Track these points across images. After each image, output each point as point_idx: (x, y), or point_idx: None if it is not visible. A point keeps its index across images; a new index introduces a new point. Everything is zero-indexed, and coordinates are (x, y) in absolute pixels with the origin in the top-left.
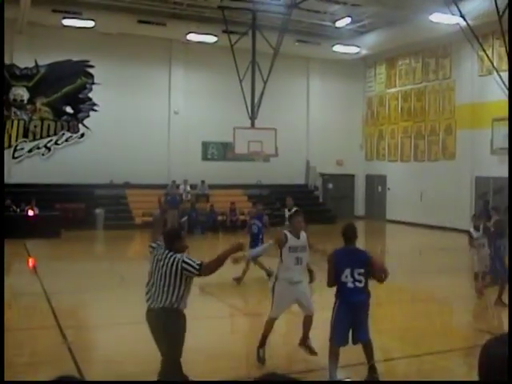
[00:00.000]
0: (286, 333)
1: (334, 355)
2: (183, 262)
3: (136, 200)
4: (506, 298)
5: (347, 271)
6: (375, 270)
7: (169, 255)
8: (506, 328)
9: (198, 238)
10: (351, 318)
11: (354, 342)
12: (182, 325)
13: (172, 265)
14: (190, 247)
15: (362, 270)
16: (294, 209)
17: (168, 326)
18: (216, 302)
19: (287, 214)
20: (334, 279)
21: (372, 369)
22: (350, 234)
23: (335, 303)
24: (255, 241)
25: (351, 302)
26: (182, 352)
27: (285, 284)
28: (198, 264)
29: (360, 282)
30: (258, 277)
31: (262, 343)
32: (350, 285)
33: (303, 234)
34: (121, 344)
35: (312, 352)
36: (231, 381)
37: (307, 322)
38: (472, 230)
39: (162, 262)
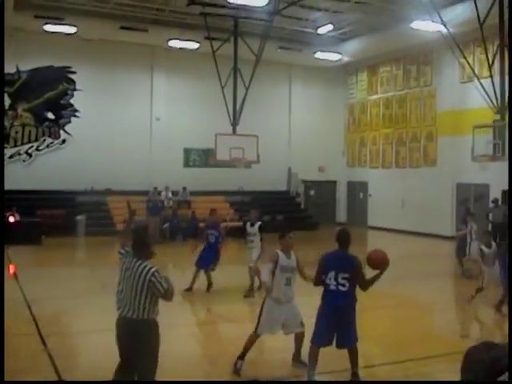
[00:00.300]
0: (272, 338)
1: (312, 355)
2: (153, 275)
3: (117, 206)
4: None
5: (331, 274)
6: (358, 277)
7: (137, 264)
8: (488, 333)
9: (179, 245)
10: (334, 320)
11: (338, 347)
12: (154, 336)
13: (140, 275)
14: (172, 254)
15: (347, 275)
16: (258, 223)
17: (141, 339)
18: (196, 309)
19: (249, 228)
20: (320, 280)
21: (355, 376)
22: (343, 239)
23: (320, 304)
24: (212, 250)
25: (333, 305)
26: (158, 361)
27: (273, 303)
28: (165, 287)
29: (343, 285)
30: (239, 284)
31: (242, 355)
32: (333, 287)
33: (293, 256)
34: (102, 351)
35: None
36: (231, 381)
37: (298, 338)
38: (483, 246)
39: (129, 272)
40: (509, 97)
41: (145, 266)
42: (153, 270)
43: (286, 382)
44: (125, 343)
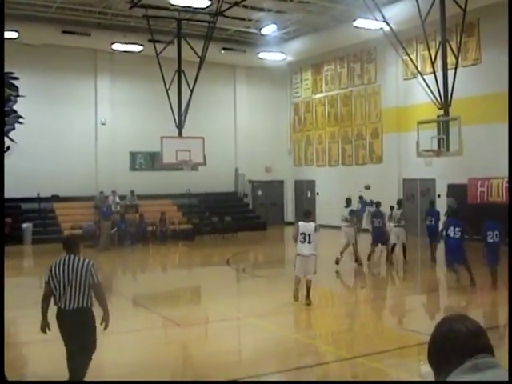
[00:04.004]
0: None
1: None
2: (92, 266)
3: (64, 213)
4: None
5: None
6: None
7: (76, 260)
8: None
9: (127, 250)
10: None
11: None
12: (95, 320)
13: (82, 267)
14: (120, 259)
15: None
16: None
17: (88, 323)
18: (149, 314)
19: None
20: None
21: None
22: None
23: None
24: None
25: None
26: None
27: (298, 258)
28: (99, 280)
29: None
30: (190, 286)
31: (296, 295)
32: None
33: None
34: (51, 360)
35: (309, 304)
36: (230, 381)
37: (307, 283)
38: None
39: (73, 270)
40: (509, 95)
41: (84, 259)
42: (91, 261)
43: (285, 381)
44: (72, 331)
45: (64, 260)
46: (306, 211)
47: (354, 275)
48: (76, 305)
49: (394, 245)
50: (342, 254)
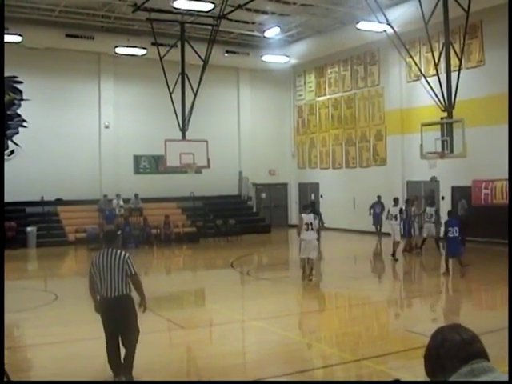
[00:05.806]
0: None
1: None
2: (128, 258)
3: (68, 216)
4: None
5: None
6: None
7: (114, 251)
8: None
9: (131, 253)
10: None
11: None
12: (134, 306)
13: (119, 258)
14: None
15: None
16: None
17: (129, 308)
18: (153, 316)
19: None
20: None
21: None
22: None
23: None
24: None
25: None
26: None
27: (303, 242)
28: (136, 271)
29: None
30: (195, 289)
31: (304, 274)
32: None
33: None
34: (56, 363)
35: (311, 280)
36: (231, 381)
37: (310, 263)
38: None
39: (111, 261)
40: (509, 96)
41: (121, 252)
42: (128, 254)
43: (284, 382)
44: (116, 317)
45: (104, 252)
46: (305, 205)
47: (360, 276)
48: (117, 292)
49: (425, 239)
50: (416, 244)
